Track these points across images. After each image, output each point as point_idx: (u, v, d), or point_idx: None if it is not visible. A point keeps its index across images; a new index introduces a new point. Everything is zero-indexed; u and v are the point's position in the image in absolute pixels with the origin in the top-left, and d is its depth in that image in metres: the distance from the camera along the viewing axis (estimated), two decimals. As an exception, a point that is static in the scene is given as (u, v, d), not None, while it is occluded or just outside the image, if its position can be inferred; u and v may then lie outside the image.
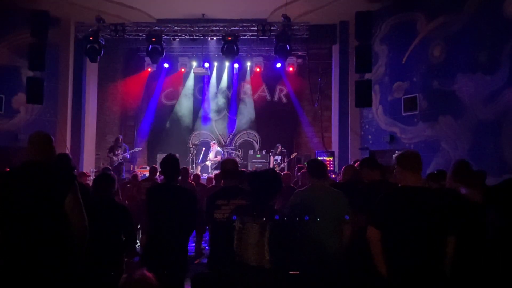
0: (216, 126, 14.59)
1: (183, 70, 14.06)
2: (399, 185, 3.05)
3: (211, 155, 12.58)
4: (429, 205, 2.87)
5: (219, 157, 12.25)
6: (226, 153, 12.79)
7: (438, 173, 4.83)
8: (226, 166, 3.86)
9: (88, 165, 12.03)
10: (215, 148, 12.66)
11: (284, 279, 2.95)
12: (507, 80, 8.24)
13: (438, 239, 2.84)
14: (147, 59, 12.67)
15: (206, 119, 14.54)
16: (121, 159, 11.18)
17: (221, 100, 14.59)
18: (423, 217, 2.84)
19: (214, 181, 7.19)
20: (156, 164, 9.25)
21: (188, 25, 11.36)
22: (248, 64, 14.07)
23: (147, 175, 8.81)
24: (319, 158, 10.77)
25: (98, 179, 4.03)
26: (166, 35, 11.38)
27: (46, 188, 2.69)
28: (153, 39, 10.96)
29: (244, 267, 2.91)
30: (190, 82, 14.52)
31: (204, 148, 12.96)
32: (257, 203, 3.09)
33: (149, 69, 13.97)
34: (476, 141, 8.81)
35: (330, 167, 11.42)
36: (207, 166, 12.54)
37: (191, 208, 3.84)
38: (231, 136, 14.38)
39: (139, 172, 10.64)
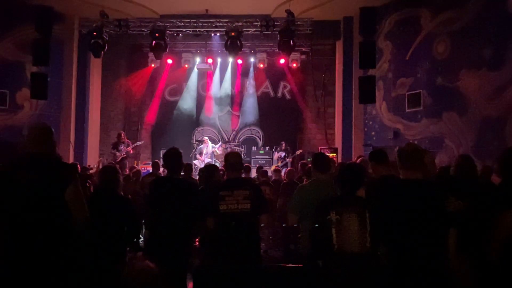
0: (220, 122, 14.58)
1: (186, 66, 14.01)
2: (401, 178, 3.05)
3: (205, 151, 12.53)
4: (429, 198, 2.87)
5: (218, 151, 12.30)
6: (229, 148, 12.77)
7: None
8: (230, 158, 3.88)
9: (92, 161, 12.06)
10: (208, 144, 12.65)
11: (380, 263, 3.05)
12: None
13: (439, 231, 2.82)
14: (151, 54, 12.65)
15: (209, 115, 14.53)
16: (124, 154, 11.21)
17: (224, 96, 14.56)
18: (424, 209, 2.83)
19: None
20: (159, 159, 9.26)
21: (191, 20, 11.34)
22: (252, 60, 14.02)
23: (150, 170, 8.84)
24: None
25: (103, 171, 4.06)
26: (170, 30, 11.36)
27: (47, 179, 2.69)
28: (157, 35, 10.95)
29: (348, 254, 2.99)
30: (194, 78, 14.48)
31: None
32: (346, 194, 3.22)
33: (153, 65, 13.94)
34: (481, 137, 8.78)
35: (333, 163, 11.42)
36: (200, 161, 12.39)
37: (194, 201, 3.85)
38: (234, 132, 14.36)
39: (142, 168, 10.66)
